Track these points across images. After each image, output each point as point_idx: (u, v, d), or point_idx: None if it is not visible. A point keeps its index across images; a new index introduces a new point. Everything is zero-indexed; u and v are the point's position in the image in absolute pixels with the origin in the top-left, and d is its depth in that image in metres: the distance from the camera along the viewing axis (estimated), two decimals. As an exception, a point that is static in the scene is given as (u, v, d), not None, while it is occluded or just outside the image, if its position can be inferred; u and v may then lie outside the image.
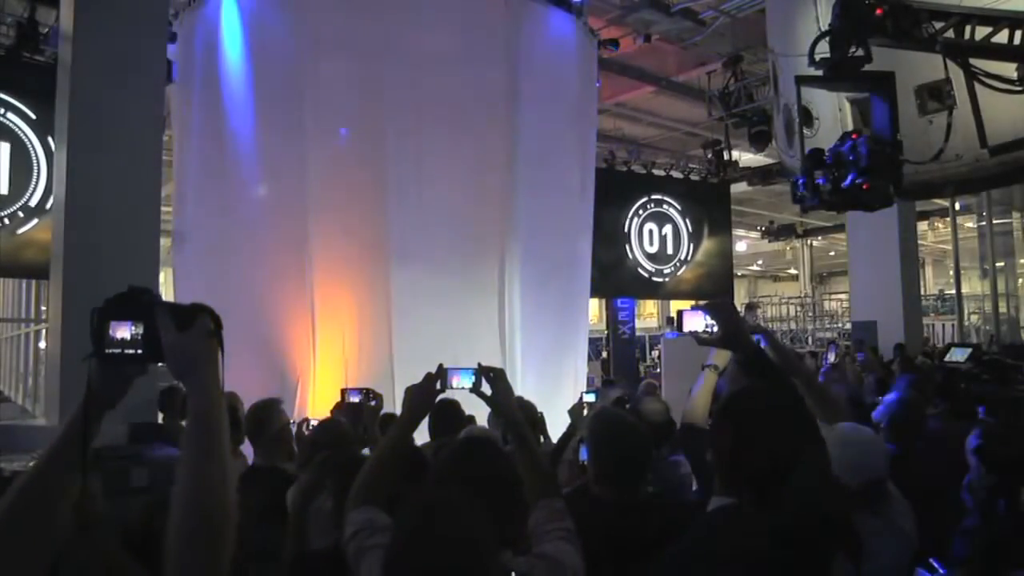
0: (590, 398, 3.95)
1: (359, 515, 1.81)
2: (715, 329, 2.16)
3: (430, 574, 1.35)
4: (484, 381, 2.10)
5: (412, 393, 2.10)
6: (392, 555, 1.42)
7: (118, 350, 1.16)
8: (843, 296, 24.03)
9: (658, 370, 13.67)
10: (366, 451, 3.09)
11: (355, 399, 3.68)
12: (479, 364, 2.12)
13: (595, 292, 15.91)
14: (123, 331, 1.16)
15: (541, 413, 4.26)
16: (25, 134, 8.09)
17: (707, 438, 1.85)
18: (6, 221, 8.06)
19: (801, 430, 1.76)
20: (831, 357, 6.70)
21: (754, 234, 27.04)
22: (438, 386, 2.13)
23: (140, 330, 1.16)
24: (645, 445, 2.37)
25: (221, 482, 1.11)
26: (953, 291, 16.65)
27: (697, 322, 2.22)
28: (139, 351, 1.17)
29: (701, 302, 2.29)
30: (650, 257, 14.63)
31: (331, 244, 7.58)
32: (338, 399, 4.13)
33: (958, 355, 3.55)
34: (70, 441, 1.16)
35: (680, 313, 2.34)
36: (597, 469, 2.32)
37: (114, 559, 1.69)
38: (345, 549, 1.78)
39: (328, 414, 3.98)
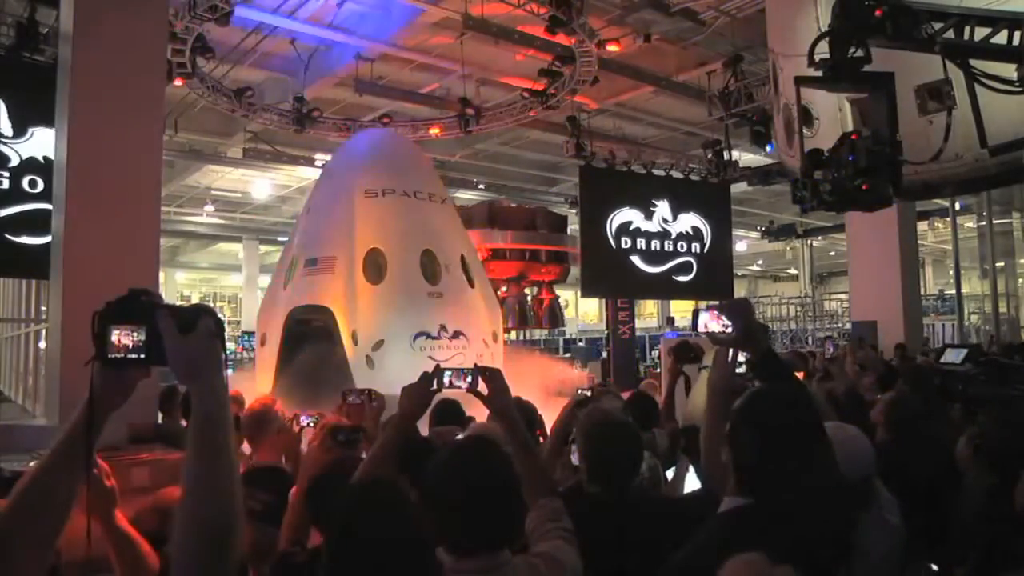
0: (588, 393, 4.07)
1: None
2: (730, 329, 2.17)
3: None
4: (480, 381, 2.10)
5: (407, 393, 2.11)
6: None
7: (121, 354, 1.15)
8: (843, 296, 24.04)
9: (658, 370, 13.68)
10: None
11: (357, 400, 3.67)
12: (475, 364, 2.12)
13: (595, 292, 15.94)
14: (125, 335, 1.14)
15: (540, 416, 4.25)
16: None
17: (723, 437, 1.84)
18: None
19: (815, 432, 1.77)
20: (831, 349, 6.69)
21: (754, 234, 27.06)
22: (434, 386, 2.12)
23: (142, 334, 1.14)
24: (636, 443, 2.37)
25: (228, 484, 1.10)
26: (953, 291, 16.65)
27: (713, 322, 2.23)
28: (142, 355, 1.15)
29: (717, 303, 2.28)
30: (650, 257, 14.62)
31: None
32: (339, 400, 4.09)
33: (953, 356, 3.55)
34: (73, 443, 1.16)
35: (696, 312, 2.34)
36: (590, 468, 2.33)
37: (120, 534, 1.69)
38: None
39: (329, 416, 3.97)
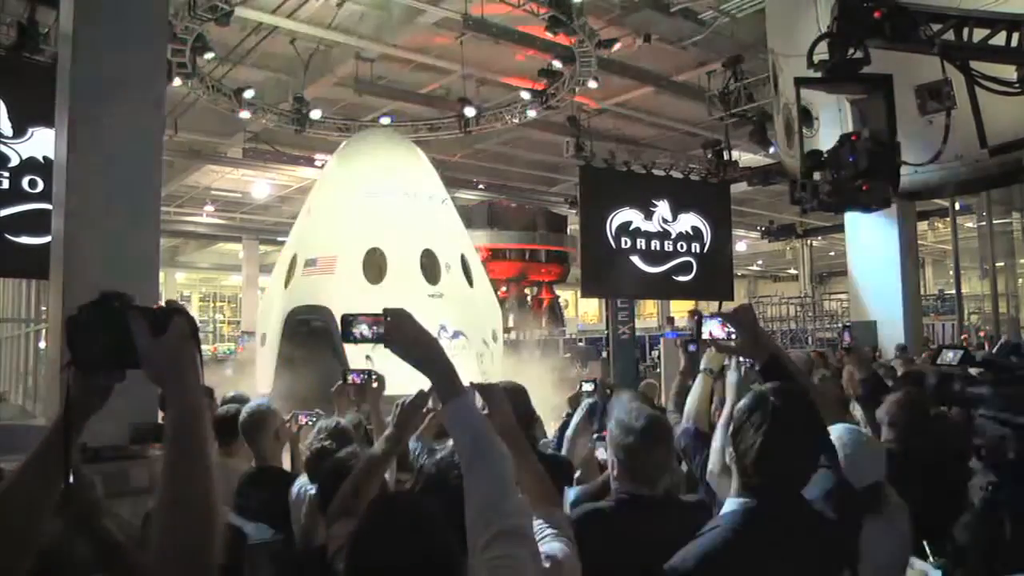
0: (588, 387, 4.13)
1: (340, 529, 1.81)
2: (734, 336, 2.17)
3: (386, 564, 1.33)
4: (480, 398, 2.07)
5: (402, 410, 2.10)
6: (351, 547, 1.40)
7: (94, 359, 1.14)
8: (843, 296, 24.04)
9: (658, 370, 13.68)
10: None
11: (357, 380, 3.66)
12: (471, 383, 2.10)
13: (595, 292, 15.92)
14: (98, 339, 1.13)
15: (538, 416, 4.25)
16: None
17: (729, 439, 1.84)
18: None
19: (818, 434, 1.77)
20: (847, 339, 6.72)
21: (754, 234, 27.07)
22: (430, 404, 2.11)
23: (115, 337, 1.13)
24: (670, 440, 2.34)
25: (205, 486, 1.09)
26: (953, 291, 16.65)
27: (717, 329, 2.23)
28: (115, 359, 1.15)
29: (722, 312, 2.28)
30: (650, 257, 14.61)
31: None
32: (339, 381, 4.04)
33: (949, 356, 3.54)
34: (51, 448, 1.16)
35: (700, 320, 2.33)
36: (622, 465, 2.27)
37: (109, 544, 1.69)
38: (333, 564, 1.77)
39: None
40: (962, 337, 14.89)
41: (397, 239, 9.79)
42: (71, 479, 1.23)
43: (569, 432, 3.41)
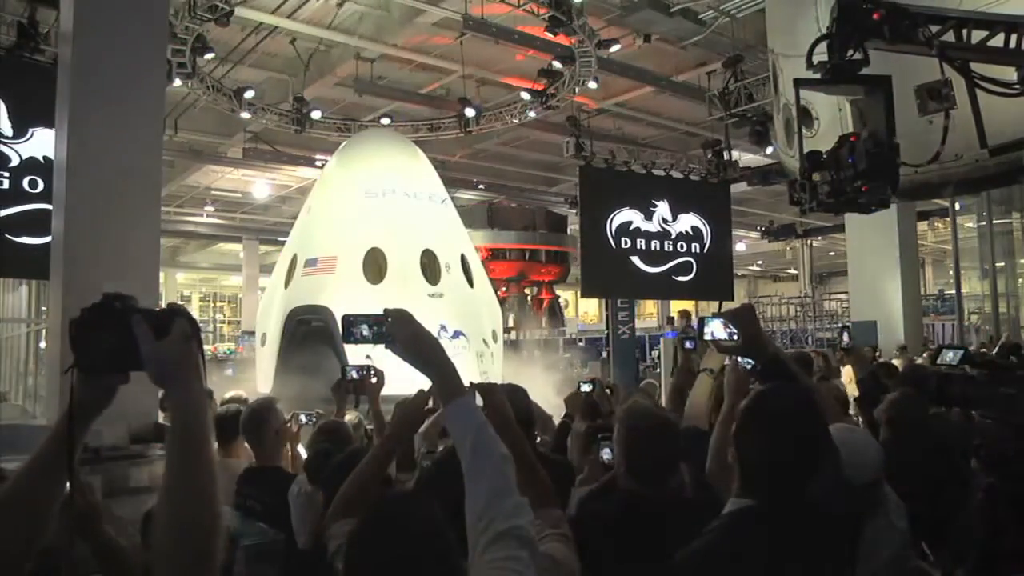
0: (586, 388, 4.14)
1: (339, 528, 1.81)
2: (735, 336, 2.17)
3: (385, 563, 1.33)
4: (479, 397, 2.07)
5: (402, 409, 2.10)
6: (351, 546, 1.40)
7: (98, 361, 1.15)
8: (843, 296, 24.02)
9: (658, 370, 13.69)
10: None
11: (356, 376, 3.65)
12: (471, 383, 2.10)
13: (595, 292, 15.93)
14: (101, 341, 1.14)
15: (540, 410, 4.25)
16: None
17: (731, 439, 1.84)
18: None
19: (820, 434, 1.78)
20: (845, 338, 6.75)
21: (754, 234, 27.07)
22: (430, 404, 2.11)
23: (118, 340, 1.14)
24: (677, 439, 2.34)
25: (207, 486, 1.10)
26: (953, 291, 16.66)
27: (718, 330, 2.23)
28: (118, 361, 1.15)
29: (723, 311, 2.27)
30: (650, 257, 14.61)
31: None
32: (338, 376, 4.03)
33: (949, 356, 3.55)
34: (54, 450, 1.17)
35: (701, 321, 2.32)
36: (629, 464, 2.25)
37: (109, 547, 1.70)
38: (333, 563, 1.78)
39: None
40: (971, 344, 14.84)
41: (397, 239, 9.80)
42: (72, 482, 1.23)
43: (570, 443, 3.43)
